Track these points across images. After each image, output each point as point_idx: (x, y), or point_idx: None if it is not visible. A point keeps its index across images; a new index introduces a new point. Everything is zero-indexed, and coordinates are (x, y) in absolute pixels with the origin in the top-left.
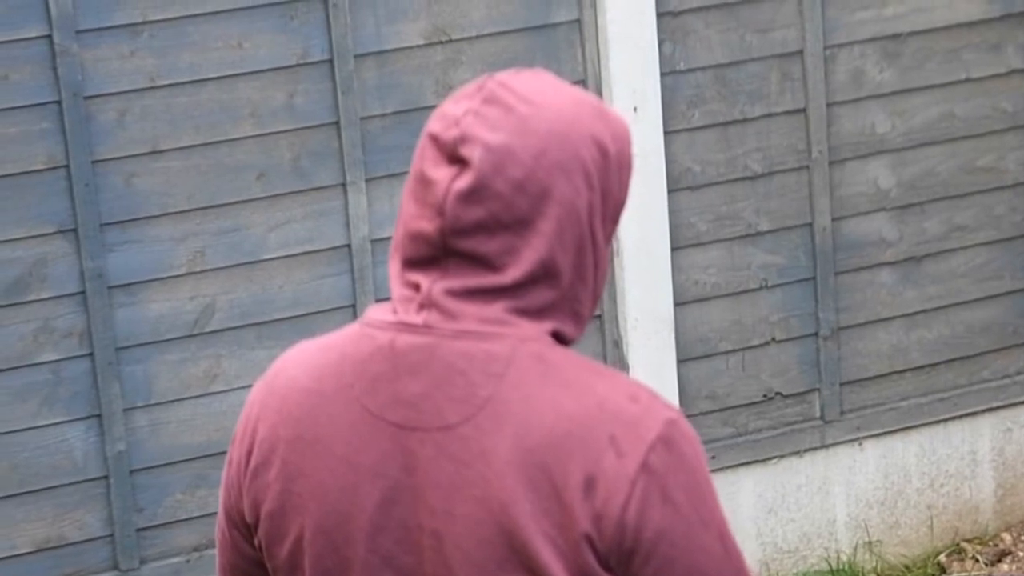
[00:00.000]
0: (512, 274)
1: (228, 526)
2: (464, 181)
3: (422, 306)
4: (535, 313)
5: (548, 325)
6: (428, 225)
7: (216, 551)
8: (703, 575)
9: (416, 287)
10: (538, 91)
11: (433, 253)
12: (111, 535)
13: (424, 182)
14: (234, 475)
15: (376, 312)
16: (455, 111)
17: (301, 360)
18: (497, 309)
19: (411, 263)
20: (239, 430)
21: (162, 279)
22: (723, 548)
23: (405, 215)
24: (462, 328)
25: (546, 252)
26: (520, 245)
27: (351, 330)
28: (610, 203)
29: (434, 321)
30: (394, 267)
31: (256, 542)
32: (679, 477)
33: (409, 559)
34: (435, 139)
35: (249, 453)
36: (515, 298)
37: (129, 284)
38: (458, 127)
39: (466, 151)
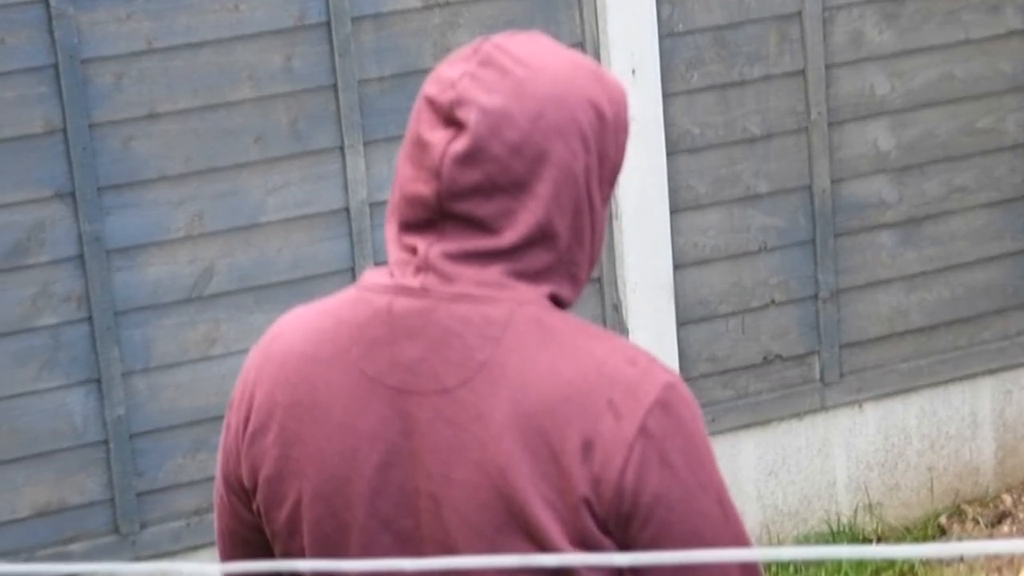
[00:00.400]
0: (509, 237)
1: (226, 491)
2: (460, 144)
3: (419, 269)
4: (532, 276)
5: (546, 288)
6: (425, 188)
7: (215, 516)
8: (701, 539)
9: (413, 250)
10: (534, 54)
11: (430, 216)
12: (111, 499)
13: (420, 145)
14: (232, 440)
15: (373, 276)
16: (451, 74)
17: (298, 325)
18: (494, 272)
19: (408, 226)
20: (236, 395)
21: (160, 243)
22: (722, 512)
23: (401, 178)
24: (459, 291)
25: (543, 215)
26: (517, 208)
27: (348, 294)
28: (607, 166)
29: (431, 284)
30: (391, 231)
31: (254, 507)
32: (677, 441)
33: (407, 523)
34: (431, 102)
35: (247, 419)
36: (512, 261)
37: (127, 248)
38: (454, 90)
39: (462, 114)
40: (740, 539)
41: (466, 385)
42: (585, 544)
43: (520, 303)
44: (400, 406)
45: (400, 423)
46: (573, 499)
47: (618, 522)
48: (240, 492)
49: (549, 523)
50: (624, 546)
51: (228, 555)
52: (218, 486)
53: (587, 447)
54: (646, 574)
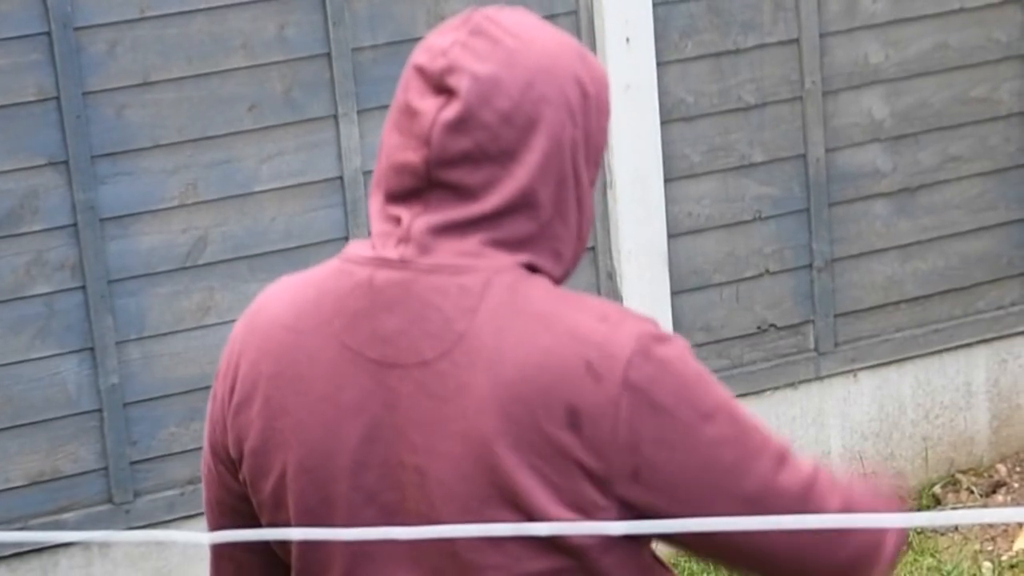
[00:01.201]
0: (492, 201)
1: (214, 461)
2: (451, 111)
3: (400, 240)
4: (512, 245)
5: (524, 257)
6: (413, 156)
7: (203, 485)
8: (722, 465)
9: (397, 221)
10: (524, 27)
11: (417, 185)
12: (105, 468)
13: (409, 113)
14: (218, 411)
15: (356, 247)
16: (441, 43)
17: (282, 296)
18: (474, 242)
19: (393, 196)
20: (222, 366)
21: (154, 211)
22: (737, 430)
23: (388, 147)
24: (437, 262)
25: (527, 182)
26: (503, 176)
27: (331, 265)
28: (591, 145)
29: (410, 255)
30: (375, 202)
31: (241, 477)
32: (665, 384)
33: (392, 495)
34: (421, 70)
35: (232, 389)
36: (492, 229)
37: (121, 216)
38: (445, 58)
39: (453, 81)
40: (765, 447)
41: (445, 357)
42: (583, 509)
43: (496, 271)
44: (381, 379)
45: (382, 396)
46: (565, 467)
47: (627, 479)
48: (227, 462)
49: (536, 491)
50: (644, 498)
51: (216, 525)
52: (205, 456)
53: (573, 414)
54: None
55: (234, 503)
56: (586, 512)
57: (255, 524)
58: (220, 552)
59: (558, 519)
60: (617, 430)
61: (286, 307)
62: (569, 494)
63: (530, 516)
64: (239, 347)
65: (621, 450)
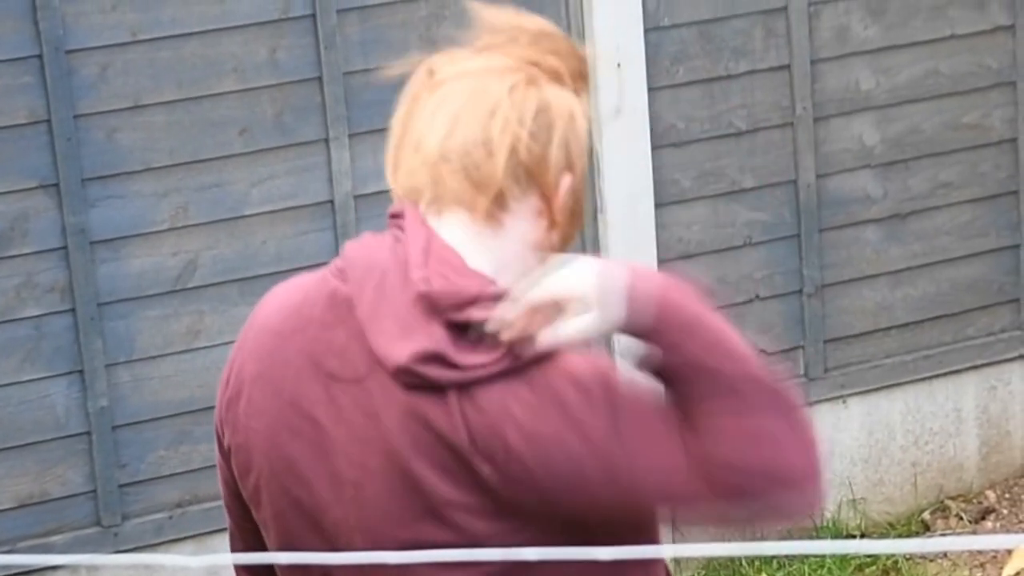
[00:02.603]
0: None
1: (218, 447)
2: None
3: None
4: None
5: None
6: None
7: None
8: (578, 459)
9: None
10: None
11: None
12: (93, 491)
13: None
14: (219, 401)
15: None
16: None
17: (278, 299)
18: None
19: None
20: (228, 360)
21: (144, 234)
22: (616, 432)
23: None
24: None
25: None
26: None
27: (319, 273)
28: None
29: None
30: None
31: (232, 470)
32: (556, 401)
33: (340, 509)
34: None
35: (227, 383)
36: None
37: (111, 239)
38: None
39: None
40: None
41: (372, 375)
42: (499, 515)
43: None
44: (331, 392)
45: (332, 409)
46: (477, 490)
47: (532, 500)
48: (223, 452)
49: (458, 513)
50: (549, 511)
51: (227, 503)
52: (216, 450)
53: (474, 442)
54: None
55: (236, 488)
56: (501, 518)
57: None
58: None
59: (481, 538)
60: (523, 462)
61: (276, 311)
62: (491, 507)
63: (458, 532)
64: (239, 343)
65: (523, 481)
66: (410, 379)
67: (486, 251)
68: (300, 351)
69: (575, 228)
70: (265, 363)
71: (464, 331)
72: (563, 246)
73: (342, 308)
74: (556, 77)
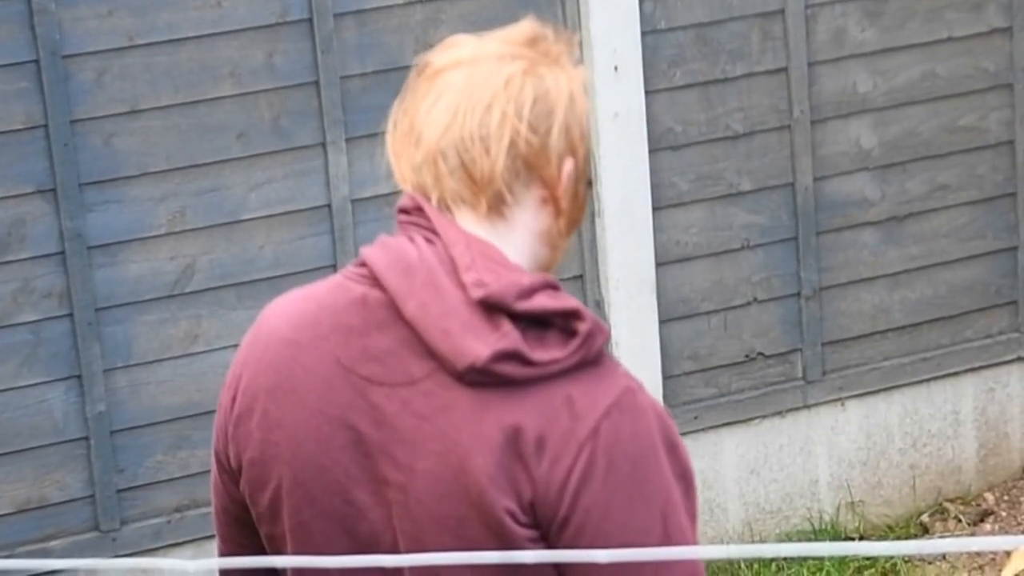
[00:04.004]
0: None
1: (218, 470)
2: None
3: None
4: None
5: None
6: None
7: (211, 494)
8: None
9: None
10: None
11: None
12: (92, 496)
13: None
14: (222, 420)
15: (357, 261)
16: None
17: (285, 310)
18: None
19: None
20: (229, 376)
21: (142, 239)
22: (663, 528)
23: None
24: None
25: None
26: None
27: (333, 280)
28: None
29: None
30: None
31: (241, 488)
32: (628, 447)
33: (380, 512)
34: None
35: (233, 400)
36: None
37: (108, 244)
38: None
39: None
40: (678, 562)
41: (431, 377)
42: (531, 538)
43: None
44: (371, 397)
45: (372, 414)
46: (526, 494)
47: (553, 523)
48: (229, 472)
49: (504, 516)
50: (554, 547)
51: (223, 533)
52: (213, 464)
53: (540, 443)
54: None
55: (238, 512)
56: (534, 539)
57: (259, 534)
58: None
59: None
60: (571, 475)
61: (287, 320)
62: (525, 523)
63: (501, 538)
64: (243, 358)
65: (564, 494)
66: (481, 378)
67: (502, 243)
68: (323, 359)
69: (581, 212)
70: (282, 375)
71: (530, 325)
72: (570, 231)
73: (379, 312)
74: (554, 59)
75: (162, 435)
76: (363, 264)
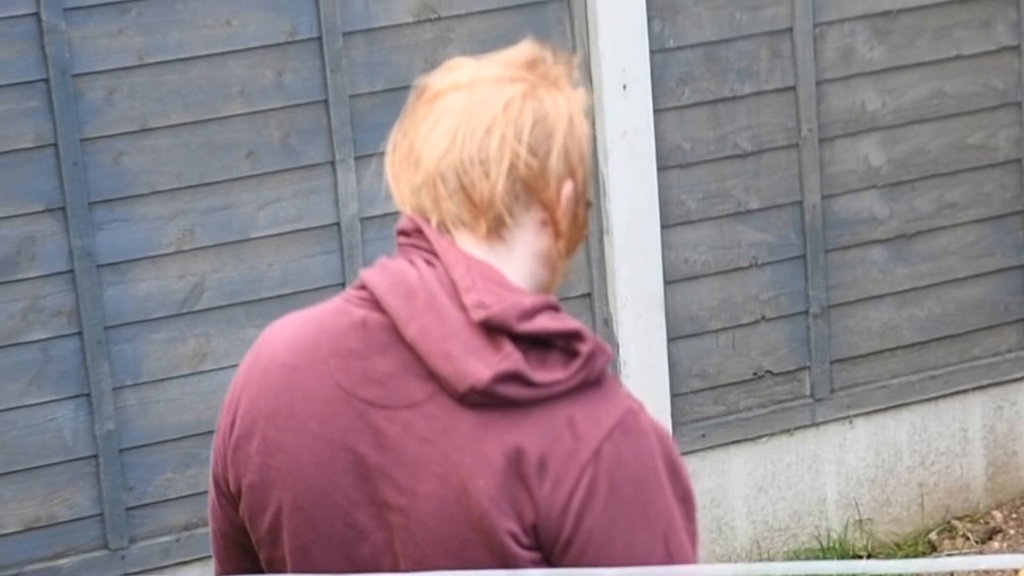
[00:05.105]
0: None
1: (216, 493)
2: None
3: None
4: None
5: None
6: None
7: (209, 517)
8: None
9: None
10: None
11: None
12: (101, 514)
13: None
14: (220, 444)
15: (357, 284)
16: None
17: (284, 333)
18: None
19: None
20: (227, 399)
21: (151, 258)
22: (665, 550)
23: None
24: None
25: None
26: None
27: (332, 303)
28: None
29: None
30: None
31: (240, 512)
32: (630, 469)
33: (381, 535)
34: None
35: (232, 424)
36: None
37: (118, 263)
38: None
39: None
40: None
41: (432, 400)
42: (533, 560)
43: None
44: (371, 420)
45: (373, 437)
46: (528, 515)
47: (555, 545)
48: (228, 496)
49: (506, 537)
50: (554, 567)
51: (221, 556)
52: (210, 487)
53: (542, 465)
54: None
55: (237, 536)
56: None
57: (257, 557)
58: None
59: (524, 563)
60: (574, 496)
61: (286, 344)
62: (526, 544)
63: (504, 560)
64: (242, 381)
65: (567, 516)
66: (483, 399)
67: (501, 265)
68: (323, 383)
69: (581, 234)
70: (282, 399)
71: (531, 346)
72: (570, 253)
73: (380, 335)
74: (553, 81)
75: (171, 453)
76: (363, 287)
